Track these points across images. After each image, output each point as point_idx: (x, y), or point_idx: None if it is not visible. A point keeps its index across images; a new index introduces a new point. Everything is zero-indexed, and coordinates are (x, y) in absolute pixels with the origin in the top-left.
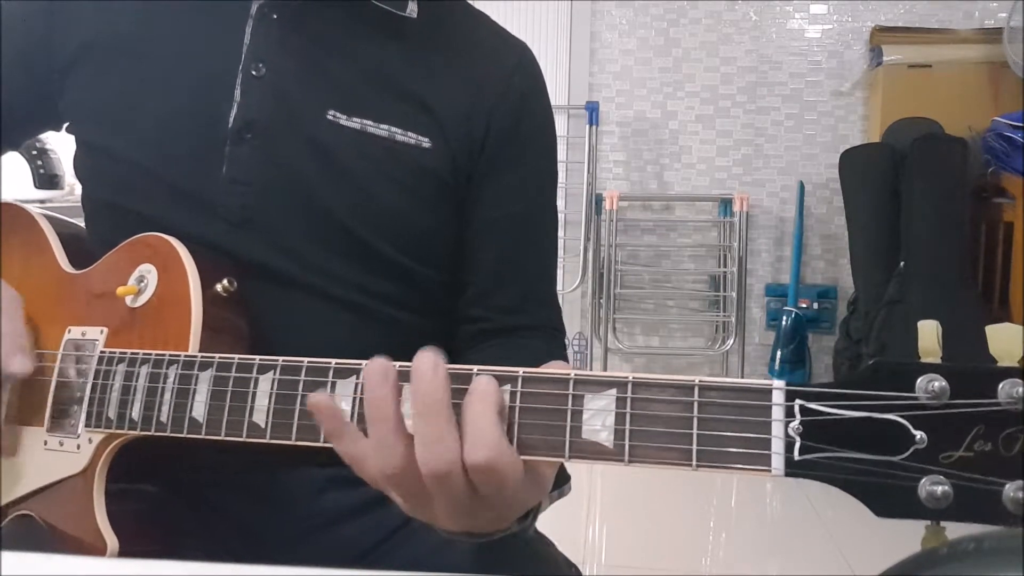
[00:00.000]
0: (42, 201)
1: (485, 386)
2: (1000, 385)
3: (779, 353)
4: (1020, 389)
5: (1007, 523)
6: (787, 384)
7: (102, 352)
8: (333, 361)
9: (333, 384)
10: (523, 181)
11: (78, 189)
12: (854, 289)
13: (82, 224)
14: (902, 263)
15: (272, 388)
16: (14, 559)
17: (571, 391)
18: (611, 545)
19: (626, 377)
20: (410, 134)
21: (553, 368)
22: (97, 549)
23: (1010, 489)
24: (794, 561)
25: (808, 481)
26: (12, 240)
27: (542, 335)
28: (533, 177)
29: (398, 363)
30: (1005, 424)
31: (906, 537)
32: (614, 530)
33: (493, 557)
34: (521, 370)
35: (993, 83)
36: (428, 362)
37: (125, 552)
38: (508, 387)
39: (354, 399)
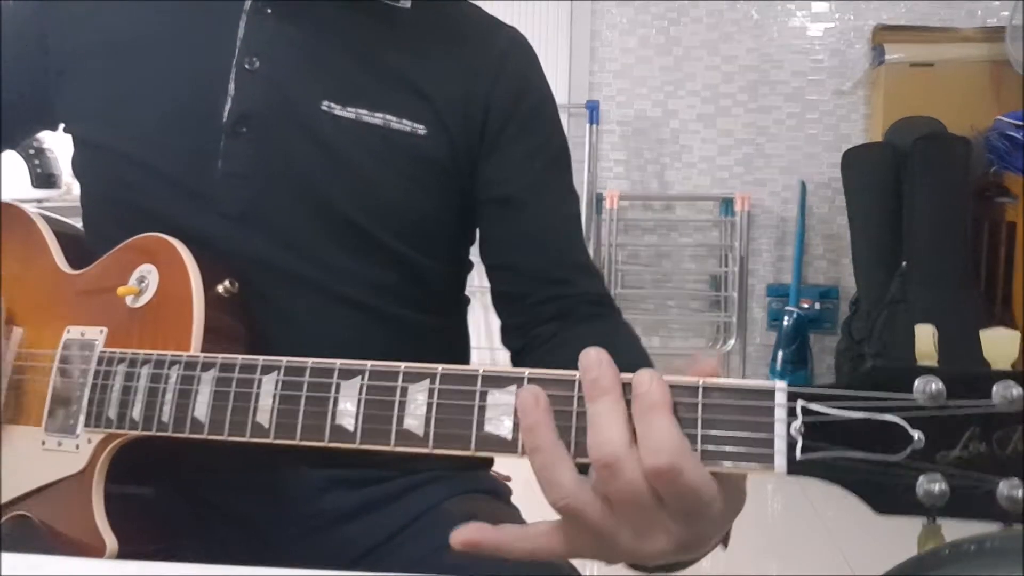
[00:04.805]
0: (39, 200)
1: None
2: (994, 387)
3: (780, 353)
4: (1013, 391)
5: (1002, 519)
6: (788, 385)
7: (102, 352)
8: (338, 362)
9: (338, 385)
10: (530, 155)
11: (75, 188)
12: (856, 289)
13: (79, 224)
14: (904, 263)
15: (276, 389)
16: (13, 559)
17: (576, 392)
18: None
19: (629, 377)
20: (405, 121)
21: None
22: (96, 550)
23: (1004, 487)
24: (794, 561)
25: (808, 482)
26: (9, 240)
27: (603, 311)
28: (540, 150)
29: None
30: (999, 424)
31: (906, 537)
32: None
33: (492, 559)
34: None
35: (995, 82)
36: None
37: (123, 553)
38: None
39: (359, 400)
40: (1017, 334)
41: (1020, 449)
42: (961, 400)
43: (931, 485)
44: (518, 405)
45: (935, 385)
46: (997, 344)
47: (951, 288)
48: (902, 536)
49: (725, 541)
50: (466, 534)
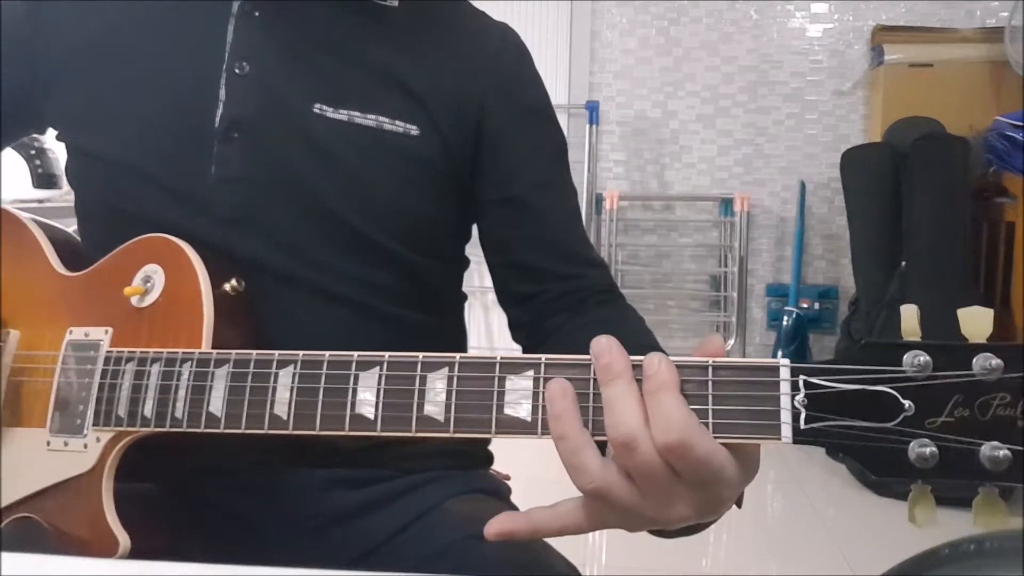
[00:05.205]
0: (40, 201)
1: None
2: (974, 359)
3: (780, 353)
4: (992, 362)
5: (984, 478)
6: (791, 362)
7: (108, 352)
8: (355, 354)
9: (356, 376)
10: (531, 154)
11: None
12: (855, 289)
13: (71, 228)
14: (903, 263)
15: (293, 381)
16: (13, 559)
17: (591, 376)
18: (611, 546)
19: (639, 360)
20: (397, 123)
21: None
22: (107, 548)
23: (986, 448)
24: (794, 561)
25: (808, 482)
26: (3, 245)
27: (611, 297)
28: (540, 148)
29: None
30: (979, 393)
31: (906, 538)
32: (614, 531)
33: (492, 559)
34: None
35: (994, 82)
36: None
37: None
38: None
39: (378, 389)
40: (991, 311)
41: (1000, 414)
42: (946, 371)
43: (922, 449)
44: (546, 396)
45: (922, 358)
46: (974, 320)
47: (950, 288)
48: (902, 536)
49: (739, 502)
50: (498, 524)
